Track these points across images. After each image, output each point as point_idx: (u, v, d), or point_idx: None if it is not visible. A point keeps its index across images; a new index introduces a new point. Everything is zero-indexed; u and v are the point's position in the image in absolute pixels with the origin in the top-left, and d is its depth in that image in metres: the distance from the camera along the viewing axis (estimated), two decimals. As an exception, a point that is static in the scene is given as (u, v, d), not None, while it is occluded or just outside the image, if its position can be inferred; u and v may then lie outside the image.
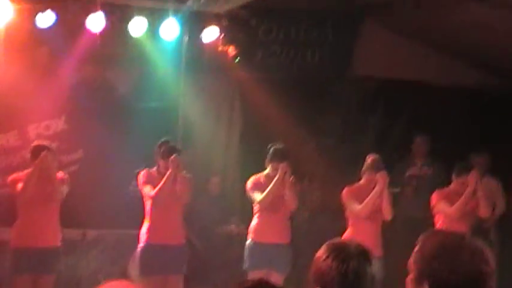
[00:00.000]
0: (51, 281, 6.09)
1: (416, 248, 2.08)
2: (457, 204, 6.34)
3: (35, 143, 6.26)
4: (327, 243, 2.33)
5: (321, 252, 2.28)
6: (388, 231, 6.70)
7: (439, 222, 6.41)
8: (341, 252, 2.25)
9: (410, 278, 2.08)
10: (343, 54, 9.08)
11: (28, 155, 6.21)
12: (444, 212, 6.40)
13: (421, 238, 2.10)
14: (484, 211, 6.46)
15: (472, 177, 6.37)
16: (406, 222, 8.08)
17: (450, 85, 8.94)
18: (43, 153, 5.92)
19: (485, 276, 2.02)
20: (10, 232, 6.14)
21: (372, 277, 2.25)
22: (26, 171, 6.07)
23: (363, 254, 2.26)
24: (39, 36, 7.56)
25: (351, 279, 2.21)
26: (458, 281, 1.98)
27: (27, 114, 7.88)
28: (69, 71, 7.95)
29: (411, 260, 2.08)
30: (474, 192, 6.38)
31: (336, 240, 2.39)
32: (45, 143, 6.25)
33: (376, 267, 2.30)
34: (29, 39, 7.56)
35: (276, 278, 6.11)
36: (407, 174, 8.50)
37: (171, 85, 8.35)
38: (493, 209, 7.26)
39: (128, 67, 8.36)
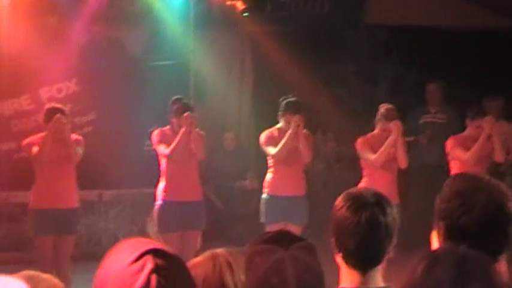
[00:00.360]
0: (72, 242, 6.16)
1: None
2: (473, 149, 6.31)
3: (48, 106, 6.25)
4: (344, 192, 2.31)
5: (338, 202, 2.27)
6: (403, 179, 6.69)
7: (455, 168, 6.38)
8: (355, 202, 2.23)
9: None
10: (354, 3, 8.96)
11: (41, 119, 6.22)
12: (459, 157, 6.37)
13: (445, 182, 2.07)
14: (499, 156, 6.44)
15: (486, 122, 6.33)
16: (421, 170, 8.08)
17: (464, 29, 8.80)
18: (56, 116, 5.91)
19: (504, 220, 1.94)
20: (28, 195, 6.20)
21: (387, 226, 2.21)
22: (40, 135, 6.08)
23: (378, 203, 2.23)
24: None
25: (364, 229, 2.18)
26: (471, 222, 1.93)
27: (38, 77, 7.87)
28: (78, 32, 7.91)
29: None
30: (489, 137, 6.34)
31: (354, 189, 2.36)
32: (58, 105, 6.23)
33: (391, 217, 2.27)
34: (37, 0, 7.51)
35: (293, 230, 6.10)
36: (421, 121, 8.45)
37: (181, 42, 8.29)
38: (508, 153, 7.22)
39: (137, 25, 8.30)
